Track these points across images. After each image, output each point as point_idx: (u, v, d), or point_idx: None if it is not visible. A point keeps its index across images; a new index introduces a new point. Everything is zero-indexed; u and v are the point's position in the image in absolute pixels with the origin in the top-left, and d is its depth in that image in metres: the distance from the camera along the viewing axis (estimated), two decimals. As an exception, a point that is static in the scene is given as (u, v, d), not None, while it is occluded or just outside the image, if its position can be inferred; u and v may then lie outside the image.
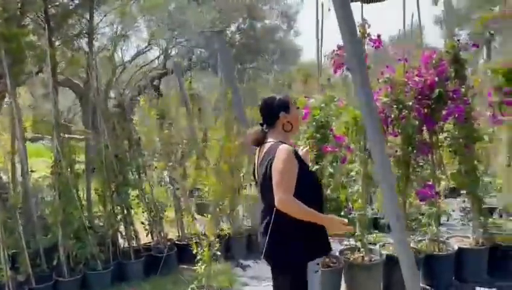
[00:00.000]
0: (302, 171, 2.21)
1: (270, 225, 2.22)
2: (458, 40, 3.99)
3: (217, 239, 3.52)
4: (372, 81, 3.84)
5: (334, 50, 3.63)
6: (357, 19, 3.25)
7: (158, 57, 11.30)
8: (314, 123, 3.59)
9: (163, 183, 5.60)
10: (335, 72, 3.69)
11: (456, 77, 4.02)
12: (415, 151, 3.79)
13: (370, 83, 2.89)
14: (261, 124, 2.42)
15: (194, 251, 3.43)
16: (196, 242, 3.50)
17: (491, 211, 4.52)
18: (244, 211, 5.16)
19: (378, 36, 3.77)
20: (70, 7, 4.94)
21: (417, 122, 3.75)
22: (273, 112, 2.36)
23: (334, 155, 3.55)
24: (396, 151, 3.89)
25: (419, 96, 3.81)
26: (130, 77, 8.62)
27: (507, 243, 4.40)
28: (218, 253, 3.56)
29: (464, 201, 4.40)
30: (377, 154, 1.96)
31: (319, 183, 2.43)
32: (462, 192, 5.47)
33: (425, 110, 3.85)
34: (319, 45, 3.75)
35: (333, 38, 3.10)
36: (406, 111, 3.75)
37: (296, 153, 2.24)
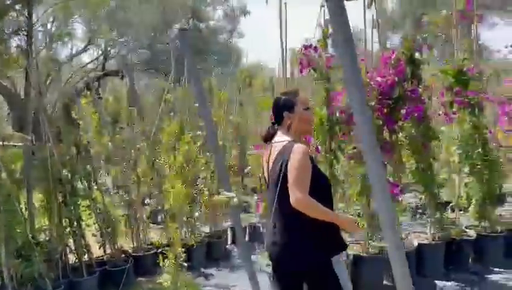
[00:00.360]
0: (315, 171, 2.19)
1: (289, 226, 2.23)
2: (414, 42, 4.09)
3: (182, 249, 3.32)
4: (335, 82, 3.86)
5: (300, 50, 3.58)
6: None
7: (97, 58, 10.74)
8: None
9: (110, 191, 5.27)
10: (301, 71, 3.63)
11: (412, 77, 4.12)
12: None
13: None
14: (273, 123, 2.44)
15: (160, 263, 3.21)
16: (161, 253, 3.28)
17: (444, 206, 4.70)
18: (205, 219, 4.99)
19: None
20: (8, 2, 4.48)
21: (380, 122, 3.79)
22: (279, 111, 2.38)
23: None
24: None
25: (380, 97, 3.85)
26: (68, 78, 8.10)
27: (460, 237, 4.61)
28: (185, 264, 3.36)
29: (420, 198, 4.54)
30: (369, 155, 1.87)
31: (330, 184, 2.39)
32: (412, 189, 5.65)
33: (386, 110, 3.91)
34: (284, 48, 3.68)
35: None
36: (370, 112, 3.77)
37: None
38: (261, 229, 5.47)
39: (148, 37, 10.18)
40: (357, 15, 3.70)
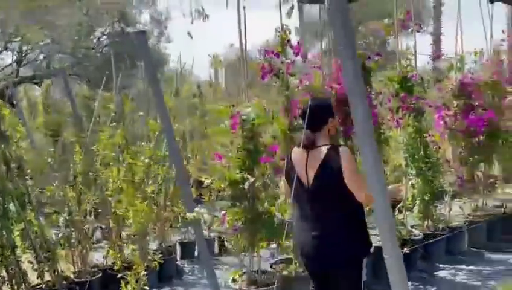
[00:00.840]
0: None
1: (338, 224, 2.47)
2: (365, 49, 4.19)
3: (144, 272, 3.05)
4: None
5: (264, 55, 3.49)
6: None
7: (12, 63, 9.76)
8: (244, 133, 3.36)
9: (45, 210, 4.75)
10: (263, 78, 3.53)
11: (364, 81, 4.20)
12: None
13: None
14: (310, 129, 2.49)
15: (122, 288, 2.91)
16: (121, 277, 2.98)
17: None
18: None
19: (299, 43, 3.73)
20: None
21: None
22: (322, 117, 2.50)
23: (264, 166, 3.37)
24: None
25: (337, 104, 3.87)
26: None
27: (408, 237, 4.80)
28: (147, 288, 3.09)
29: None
30: (369, 160, 1.82)
31: None
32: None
33: (342, 117, 3.94)
34: (243, 51, 3.55)
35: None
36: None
37: None
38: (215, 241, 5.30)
39: (71, 41, 9.47)
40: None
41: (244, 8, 3.46)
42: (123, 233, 4.55)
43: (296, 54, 3.67)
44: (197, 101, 9.21)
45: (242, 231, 3.37)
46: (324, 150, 2.45)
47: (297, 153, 2.57)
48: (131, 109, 4.68)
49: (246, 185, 3.16)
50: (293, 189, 2.40)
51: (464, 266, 4.69)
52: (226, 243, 5.35)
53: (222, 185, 3.42)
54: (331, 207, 2.45)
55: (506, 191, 6.09)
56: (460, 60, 5.37)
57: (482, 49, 5.93)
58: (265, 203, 3.35)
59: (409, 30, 4.85)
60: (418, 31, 4.89)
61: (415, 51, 4.89)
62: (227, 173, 3.36)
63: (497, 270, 4.56)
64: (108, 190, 4.31)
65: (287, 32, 3.63)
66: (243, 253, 3.47)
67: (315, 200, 2.46)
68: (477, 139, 5.27)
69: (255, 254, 3.54)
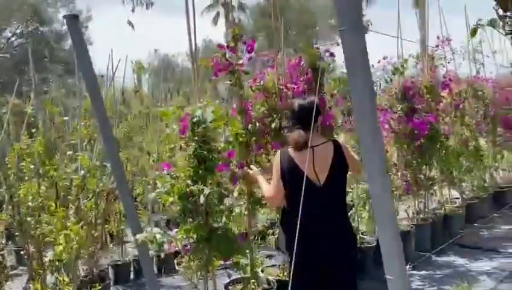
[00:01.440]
0: None
1: (346, 215, 2.75)
2: (318, 48, 3.95)
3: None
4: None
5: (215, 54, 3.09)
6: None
7: None
8: (196, 138, 2.93)
9: None
10: (216, 75, 3.13)
11: (315, 84, 3.97)
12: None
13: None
14: (304, 129, 2.57)
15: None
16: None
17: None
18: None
19: (253, 39, 3.39)
20: None
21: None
22: (315, 116, 2.35)
23: (219, 175, 2.97)
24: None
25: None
26: None
27: (361, 244, 4.65)
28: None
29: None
30: (374, 166, 1.53)
31: None
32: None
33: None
34: (194, 53, 3.13)
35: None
36: (285, 120, 3.47)
37: None
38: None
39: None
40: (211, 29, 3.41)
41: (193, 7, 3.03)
42: (45, 258, 3.87)
43: (250, 51, 3.32)
44: (123, 108, 8.59)
45: (195, 251, 2.93)
46: (329, 147, 2.61)
47: (295, 152, 2.59)
48: (53, 113, 4.02)
49: (202, 199, 2.73)
50: (302, 189, 2.21)
51: (415, 271, 4.61)
52: (165, 261, 4.84)
53: (170, 199, 2.95)
54: (340, 205, 2.64)
55: (444, 194, 6.21)
56: (403, 64, 5.38)
57: (418, 54, 6.07)
58: (223, 218, 2.93)
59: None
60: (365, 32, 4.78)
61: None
62: (176, 184, 2.90)
63: (447, 274, 4.54)
64: (27, 208, 3.62)
65: (239, 27, 3.27)
66: (196, 274, 3.02)
67: (327, 198, 2.54)
68: (419, 143, 5.29)
69: (210, 275, 3.11)
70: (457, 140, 6.44)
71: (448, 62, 6.24)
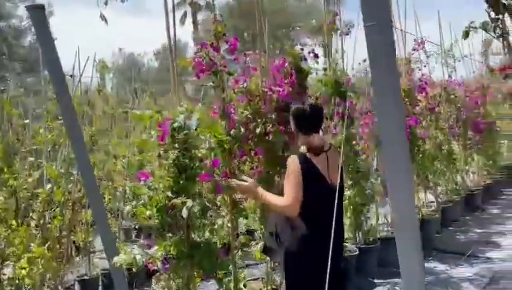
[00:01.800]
0: None
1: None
2: (302, 49, 3.77)
3: None
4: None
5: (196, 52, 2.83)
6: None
7: None
8: (176, 145, 2.67)
9: None
10: (198, 76, 2.87)
11: (299, 86, 3.78)
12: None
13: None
14: (316, 132, 2.72)
15: None
16: None
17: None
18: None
19: (236, 38, 3.16)
20: None
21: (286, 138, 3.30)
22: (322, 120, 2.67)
23: (203, 186, 2.72)
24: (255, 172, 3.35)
25: (279, 108, 3.38)
26: None
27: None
28: None
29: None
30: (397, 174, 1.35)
31: None
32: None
33: (283, 123, 3.45)
34: (174, 52, 2.87)
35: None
36: (270, 125, 3.26)
37: None
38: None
39: None
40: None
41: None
42: (3, 276, 3.49)
43: (233, 50, 3.09)
44: (88, 109, 8.13)
45: (175, 268, 2.67)
46: (335, 150, 2.76)
47: (315, 157, 2.63)
48: (12, 114, 3.64)
49: (185, 212, 2.47)
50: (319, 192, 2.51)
51: (398, 279, 4.50)
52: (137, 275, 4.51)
53: (148, 212, 2.67)
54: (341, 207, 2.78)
55: (420, 197, 6.18)
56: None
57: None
58: (206, 232, 2.68)
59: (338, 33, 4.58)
60: (346, 34, 4.66)
61: (342, 54, 4.65)
62: (155, 195, 2.63)
63: (430, 281, 4.45)
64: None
65: (222, 24, 3.03)
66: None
67: (338, 200, 2.48)
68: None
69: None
70: (432, 144, 6.43)
71: (424, 66, 6.23)
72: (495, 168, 9.06)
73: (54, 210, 3.81)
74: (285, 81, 3.43)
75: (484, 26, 2.94)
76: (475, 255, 5.18)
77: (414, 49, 6.03)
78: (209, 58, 2.80)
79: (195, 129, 2.56)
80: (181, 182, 2.67)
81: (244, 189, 2.80)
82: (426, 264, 4.94)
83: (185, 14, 31.54)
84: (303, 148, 2.71)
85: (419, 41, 6.25)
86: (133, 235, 6.76)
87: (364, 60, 5.18)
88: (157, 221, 2.68)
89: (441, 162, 6.63)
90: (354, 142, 4.68)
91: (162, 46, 34.66)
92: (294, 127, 2.76)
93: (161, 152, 2.74)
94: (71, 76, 4.38)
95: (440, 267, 4.85)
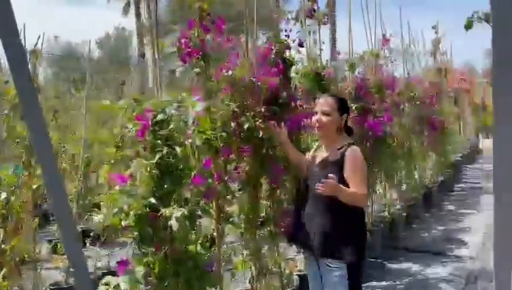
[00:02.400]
0: None
1: None
2: (288, 36, 3.42)
3: None
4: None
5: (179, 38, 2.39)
6: None
7: None
8: (159, 142, 2.22)
9: None
10: (184, 60, 2.43)
11: (283, 78, 3.43)
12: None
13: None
14: None
15: None
16: None
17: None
18: None
19: (220, 18, 2.74)
20: None
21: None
22: None
23: (193, 191, 2.30)
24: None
25: (267, 100, 3.02)
26: None
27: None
28: None
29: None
30: None
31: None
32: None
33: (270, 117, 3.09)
34: (155, 33, 2.40)
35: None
36: (259, 120, 2.88)
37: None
38: None
39: None
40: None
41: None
42: None
43: (219, 32, 2.67)
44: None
45: (159, 288, 2.23)
46: None
47: None
48: None
49: (174, 224, 2.04)
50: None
51: (375, 282, 4.32)
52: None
53: (124, 222, 2.21)
54: None
55: (388, 197, 6.09)
56: (356, 61, 5.09)
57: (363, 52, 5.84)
58: (197, 246, 2.27)
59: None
60: (324, 23, 4.37)
61: (320, 45, 4.38)
62: (133, 203, 2.17)
63: (409, 283, 4.31)
64: None
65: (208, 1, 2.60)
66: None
67: None
68: (370, 144, 5.05)
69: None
70: (396, 141, 6.37)
71: (392, 61, 6.14)
72: (446, 165, 9.31)
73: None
74: (273, 70, 3.06)
75: (487, 18, 2.79)
76: (445, 254, 5.15)
77: (383, 45, 5.90)
78: (200, 40, 2.36)
79: (193, 122, 2.12)
80: (166, 186, 2.24)
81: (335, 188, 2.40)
82: (399, 265, 4.82)
83: (128, 4, 30.08)
84: (348, 140, 2.65)
85: (385, 38, 6.15)
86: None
87: (339, 53, 4.95)
88: (136, 233, 2.23)
89: (402, 159, 6.61)
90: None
91: (105, 34, 32.90)
92: (342, 119, 2.66)
93: (140, 150, 2.29)
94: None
95: (414, 267, 4.74)
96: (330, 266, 2.48)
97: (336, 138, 2.66)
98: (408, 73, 7.81)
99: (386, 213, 5.77)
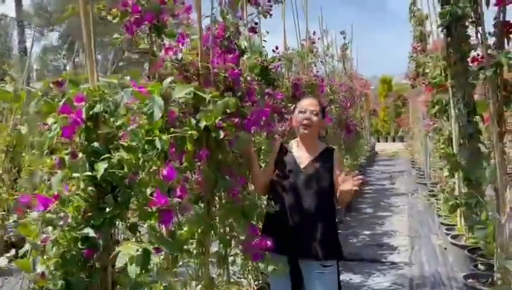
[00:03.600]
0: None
1: None
2: (240, 18, 2.85)
3: None
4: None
5: None
6: None
7: None
8: (96, 145, 1.51)
9: None
10: (130, 31, 1.72)
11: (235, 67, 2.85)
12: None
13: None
14: None
15: None
16: None
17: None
18: None
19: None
20: None
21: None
22: None
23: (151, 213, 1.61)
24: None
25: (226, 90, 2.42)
26: None
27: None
28: None
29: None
30: None
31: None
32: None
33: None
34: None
35: None
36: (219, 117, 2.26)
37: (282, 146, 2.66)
38: None
39: None
40: None
41: None
42: None
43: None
44: None
45: None
46: None
47: None
48: None
49: (132, 269, 1.35)
50: None
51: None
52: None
53: (41, 268, 1.45)
54: None
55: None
56: (291, 58, 4.68)
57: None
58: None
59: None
60: (268, 13, 3.85)
61: (261, 36, 3.86)
62: (60, 237, 1.43)
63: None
64: None
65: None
66: None
67: None
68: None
69: None
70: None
71: (322, 61, 5.89)
72: (357, 168, 9.47)
73: None
74: (230, 56, 2.47)
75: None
76: (379, 261, 4.98)
77: (313, 42, 5.61)
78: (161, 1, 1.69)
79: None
80: (107, 209, 1.53)
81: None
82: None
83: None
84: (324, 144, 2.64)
85: (313, 37, 5.89)
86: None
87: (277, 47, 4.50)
88: (61, 282, 1.48)
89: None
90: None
91: None
92: (323, 120, 2.62)
93: (65, 157, 1.54)
94: None
95: (355, 278, 4.47)
96: (325, 266, 2.39)
97: (316, 140, 2.63)
98: (328, 75, 7.73)
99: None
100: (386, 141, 26.58)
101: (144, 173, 1.60)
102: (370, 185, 10.25)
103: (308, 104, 2.58)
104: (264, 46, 3.64)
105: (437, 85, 5.25)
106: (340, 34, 10.81)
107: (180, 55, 2.23)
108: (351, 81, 10.94)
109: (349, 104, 8.43)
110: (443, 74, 5.00)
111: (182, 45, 2.31)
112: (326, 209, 2.47)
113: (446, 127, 5.36)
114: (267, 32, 3.80)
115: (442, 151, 5.28)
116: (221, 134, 2.20)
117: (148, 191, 1.59)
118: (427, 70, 5.58)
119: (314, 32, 5.71)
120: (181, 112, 2.16)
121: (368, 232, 6.20)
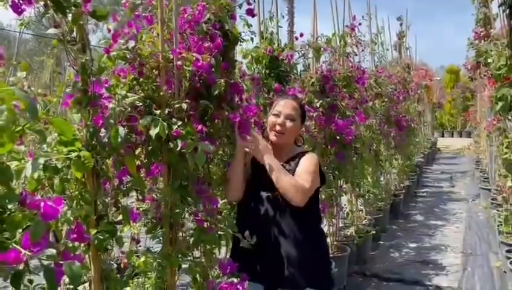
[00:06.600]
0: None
1: None
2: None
3: None
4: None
5: None
6: None
7: None
8: None
9: None
10: (18, 11, 1.28)
11: (223, 58, 2.32)
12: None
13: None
14: None
15: None
16: None
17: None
18: None
19: None
20: None
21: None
22: None
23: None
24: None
25: (196, 87, 1.92)
26: None
27: None
28: None
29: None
30: None
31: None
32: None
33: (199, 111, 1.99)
34: None
35: None
36: (178, 122, 1.77)
37: None
38: None
39: None
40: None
41: None
42: None
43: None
44: None
45: None
46: None
47: None
48: None
49: None
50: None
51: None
52: None
53: None
54: None
55: (353, 210, 5.15)
56: (322, 45, 4.07)
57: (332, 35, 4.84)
58: None
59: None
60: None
61: (277, 21, 3.31)
62: None
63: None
64: None
65: None
66: None
67: None
68: (335, 149, 4.08)
69: None
70: (363, 145, 5.46)
71: (362, 50, 5.20)
72: (411, 168, 8.61)
73: None
74: (205, 45, 1.95)
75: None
76: (421, 283, 4.27)
77: (352, 29, 4.92)
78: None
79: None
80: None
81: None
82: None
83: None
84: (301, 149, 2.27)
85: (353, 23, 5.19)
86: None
87: (301, 34, 3.90)
88: None
89: (368, 164, 5.71)
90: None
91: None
92: (301, 127, 2.36)
93: None
94: None
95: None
96: None
97: (291, 148, 2.25)
98: (376, 66, 6.96)
99: (352, 231, 4.83)
100: (452, 136, 24.69)
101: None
102: (425, 187, 9.30)
103: (284, 105, 2.19)
104: (276, 33, 3.10)
105: (501, 77, 4.39)
106: (396, 20, 9.88)
107: (131, 44, 1.75)
108: (408, 72, 9.98)
109: (401, 98, 7.60)
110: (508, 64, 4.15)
111: (138, 31, 1.84)
112: (302, 230, 2.07)
113: (511, 128, 4.49)
114: (283, 17, 3.25)
115: (504, 157, 4.43)
116: (179, 144, 1.71)
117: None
118: (489, 60, 4.70)
119: (354, 17, 5.00)
120: (128, 116, 1.71)
121: (413, 245, 5.44)
